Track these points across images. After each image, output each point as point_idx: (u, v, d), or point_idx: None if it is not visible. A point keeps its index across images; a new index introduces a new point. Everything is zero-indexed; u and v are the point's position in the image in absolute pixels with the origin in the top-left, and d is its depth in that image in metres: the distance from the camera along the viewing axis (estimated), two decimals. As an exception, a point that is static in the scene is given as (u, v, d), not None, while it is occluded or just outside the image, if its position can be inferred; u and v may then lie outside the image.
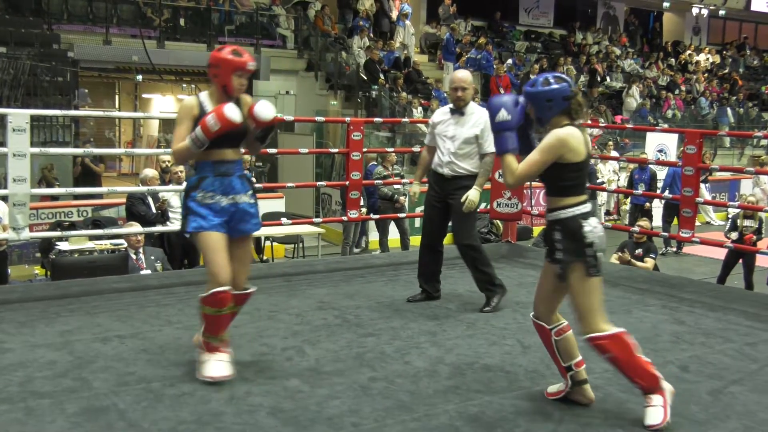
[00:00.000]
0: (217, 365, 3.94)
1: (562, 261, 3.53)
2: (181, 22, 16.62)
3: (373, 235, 11.97)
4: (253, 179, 4.18)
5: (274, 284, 6.15)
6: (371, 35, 18.10)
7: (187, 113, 3.96)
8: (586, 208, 3.56)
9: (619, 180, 15.12)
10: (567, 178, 3.54)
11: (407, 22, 18.81)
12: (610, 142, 16.54)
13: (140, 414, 3.53)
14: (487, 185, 7.92)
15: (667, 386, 3.53)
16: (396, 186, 10.67)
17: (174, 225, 8.37)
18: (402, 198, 10.87)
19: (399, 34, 18.86)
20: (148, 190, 7.77)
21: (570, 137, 3.50)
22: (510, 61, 19.70)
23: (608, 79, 21.18)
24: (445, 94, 17.14)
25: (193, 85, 19.22)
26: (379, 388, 3.94)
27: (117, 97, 20.30)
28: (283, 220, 7.47)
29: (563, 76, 3.66)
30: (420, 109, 15.48)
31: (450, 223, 5.68)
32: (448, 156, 5.50)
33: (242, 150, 4.21)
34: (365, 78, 16.40)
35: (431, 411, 3.65)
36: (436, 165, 5.62)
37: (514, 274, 6.68)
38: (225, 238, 3.94)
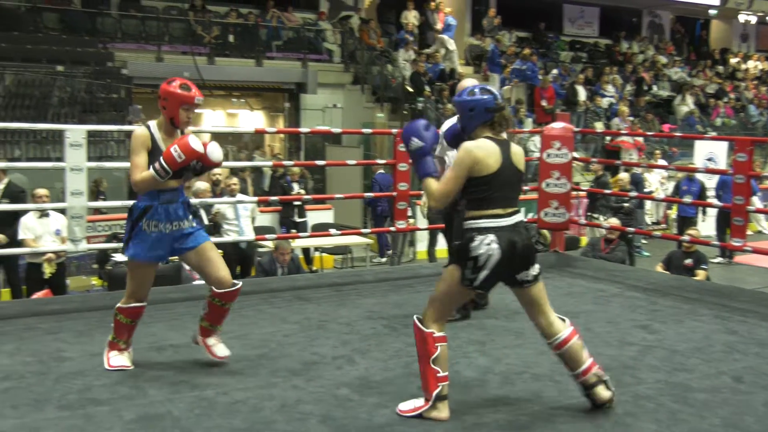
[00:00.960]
0: (120, 357, 4.27)
1: (449, 259, 3.67)
2: (230, 38, 16.83)
3: (421, 246, 11.98)
4: (194, 206, 4.65)
5: (324, 294, 6.19)
6: (416, 48, 18.13)
7: (141, 144, 4.08)
8: (490, 222, 3.52)
9: (666, 189, 14.90)
10: (474, 190, 3.55)
11: (443, 36, 18.72)
12: (658, 151, 16.31)
13: (194, 421, 3.57)
14: (534, 195, 7.89)
15: (442, 409, 3.57)
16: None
17: (228, 237, 8.47)
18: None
19: (444, 46, 18.85)
20: (200, 202, 7.85)
21: (477, 149, 3.52)
22: (555, 71, 19.57)
23: (655, 87, 20.91)
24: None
25: (242, 100, 19.43)
26: (429, 396, 3.92)
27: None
28: (332, 231, 7.50)
29: (491, 89, 3.70)
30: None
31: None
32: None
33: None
34: (411, 90, 16.42)
35: (480, 420, 3.63)
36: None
37: (563, 284, 6.62)
38: (154, 267, 4.25)
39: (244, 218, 8.84)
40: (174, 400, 3.81)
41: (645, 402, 3.79)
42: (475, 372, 4.30)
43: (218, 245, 8.63)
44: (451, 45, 18.46)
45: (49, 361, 4.37)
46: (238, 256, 8.75)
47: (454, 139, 3.91)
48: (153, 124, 4.16)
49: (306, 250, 11.14)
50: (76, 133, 5.70)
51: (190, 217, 4.23)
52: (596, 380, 3.68)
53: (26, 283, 8.00)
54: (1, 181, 8.20)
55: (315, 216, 11.67)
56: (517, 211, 3.62)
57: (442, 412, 3.57)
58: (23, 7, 15.45)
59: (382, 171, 11.71)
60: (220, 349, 4.31)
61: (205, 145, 4.04)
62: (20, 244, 7.69)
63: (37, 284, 7.73)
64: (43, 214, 7.85)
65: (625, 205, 11.24)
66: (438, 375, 3.55)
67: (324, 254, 11.41)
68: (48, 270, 7.77)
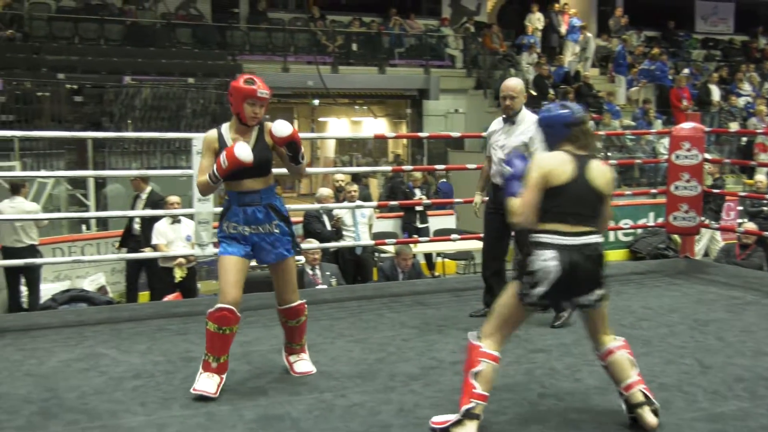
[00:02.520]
0: (207, 381, 3.91)
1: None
2: (354, 47, 17.08)
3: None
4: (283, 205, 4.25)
5: (444, 299, 6.16)
6: (539, 51, 17.85)
7: (208, 146, 4.07)
8: (554, 239, 3.37)
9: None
10: (543, 202, 3.42)
11: (586, 34, 18.31)
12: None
13: (312, 423, 3.61)
14: (662, 198, 7.59)
15: (469, 427, 3.37)
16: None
17: (348, 242, 8.55)
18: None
19: (569, 48, 18.48)
20: (321, 207, 7.96)
21: (546, 159, 3.45)
22: (686, 70, 18.83)
23: (797, 85, 19.80)
24: (618, 108, 16.63)
25: (365, 107, 19.67)
26: (549, 404, 3.83)
27: (296, 121, 21.12)
28: (452, 236, 7.45)
29: (571, 105, 3.61)
30: (592, 123, 15.06)
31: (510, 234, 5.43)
32: (499, 165, 5.31)
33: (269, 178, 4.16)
34: (534, 94, 16.17)
35: (601, 430, 3.51)
36: (492, 174, 5.51)
37: (693, 291, 6.34)
38: (243, 261, 4.04)
39: (361, 225, 8.90)
40: (293, 402, 3.87)
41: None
42: (598, 380, 4.15)
43: (337, 250, 8.86)
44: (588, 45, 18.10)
45: (177, 361, 4.53)
46: (354, 263, 8.82)
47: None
48: (225, 125, 4.13)
49: (428, 256, 11.12)
50: (201, 141, 5.87)
51: (274, 222, 4.10)
52: (642, 401, 3.48)
53: (159, 286, 8.34)
54: (144, 190, 8.63)
55: (437, 222, 11.64)
56: (593, 233, 3.42)
57: (468, 429, 3.37)
58: (159, 23, 16.21)
59: (444, 180, 11.54)
60: (299, 365, 4.32)
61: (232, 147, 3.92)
62: (153, 249, 8.03)
63: (168, 288, 8.05)
64: (175, 220, 8.17)
65: (765, 209, 10.65)
66: (474, 390, 3.38)
67: (446, 260, 11.37)
68: (179, 274, 8.07)
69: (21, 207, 8.34)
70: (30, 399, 3.92)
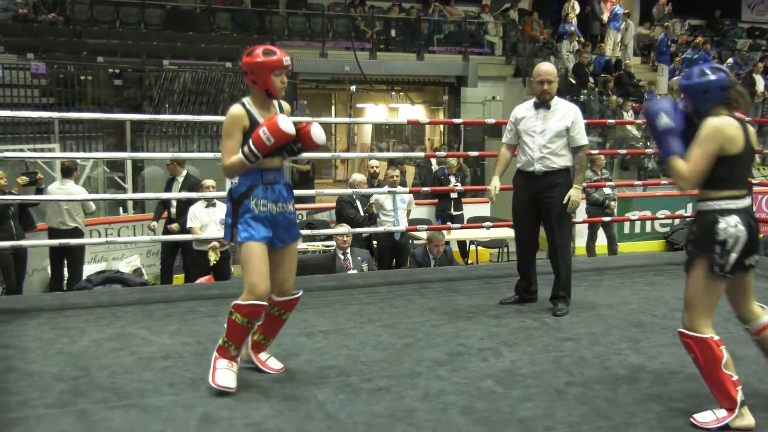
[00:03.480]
0: (227, 375, 3.76)
1: (689, 252, 3.42)
2: (392, 33, 17.02)
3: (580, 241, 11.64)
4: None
5: (474, 286, 6.13)
6: (581, 39, 17.65)
7: (236, 125, 3.73)
8: (732, 204, 3.34)
9: None
10: (717, 170, 3.33)
11: (627, 22, 18.06)
12: None
13: (338, 406, 3.62)
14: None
15: (747, 415, 3.33)
16: (606, 191, 10.22)
17: (384, 227, 8.56)
18: (613, 203, 10.37)
19: (610, 36, 18.24)
20: (355, 192, 7.95)
21: (726, 126, 3.32)
22: (731, 60, 18.50)
23: None
24: (659, 97, 16.39)
25: (402, 94, 19.61)
26: (576, 393, 3.79)
27: (333, 107, 21.14)
28: (485, 224, 7.41)
29: (720, 66, 3.49)
30: (631, 112, 14.88)
31: (543, 224, 5.42)
32: (539, 151, 5.23)
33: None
34: (573, 82, 16.00)
35: (629, 420, 3.47)
36: (524, 164, 5.34)
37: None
38: (267, 249, 3.77)
39: (401, 210, 8.91)
40: (320, 385, 3.88)
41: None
42: (627, 369, 4.12)
43: (374, 235, 8.86)
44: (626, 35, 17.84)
45: (207, 343, 4.55)
46: (392, 248, 8.84)
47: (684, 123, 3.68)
48: (247, 100, 3.81)
49: (462, 244, 11.09)
50: (227, 119, 5.89)
51: (293, 201, 3.92)
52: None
53: (193, 269, 8.42)
54: (180, 173, 8.70)
55: (472, 209, 11.59)
56: (750, 193, 3.45)
57: (747, 418, 3.36)
58: (198, 8, 16.29)
59: (442, 166, 11.51)
60: (273, 362, 4.12)
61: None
62: (188, 232, 8.10)
63: (202, 270, 8.12)
64: (210, 203, 8.23)
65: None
66: (733, 379, 3.36)
67: (480, 247, 11.33)
68: (213, 257, 8.14)
69: (69, 190, 8.47)
70: (61, 377, 3.97)
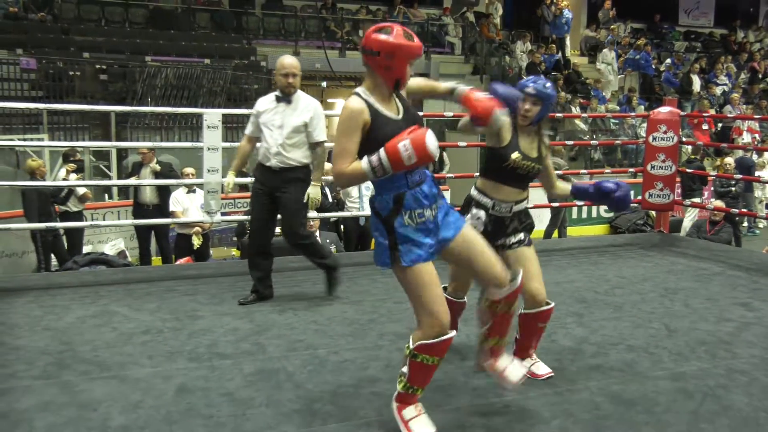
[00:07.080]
0: (422, 421, 2.92)
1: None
2: (360, 33, 16.91)
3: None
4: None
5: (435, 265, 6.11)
6: (533, 40, 17.70)
7: (357, 122, 2.75)
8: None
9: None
10: None
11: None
12: (771, 138, 15.31)
13: (306, 377, 3.59)
14: (639, 178, 7.53)
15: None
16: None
17: (351, 212, 8.52)
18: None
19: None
20: (323, 180, 7.85)
21: None
22: (669, 60, 18.68)
23: (770, 75, 19.62)
24: (603, 94, 16.50)
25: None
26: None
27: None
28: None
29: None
30: (578, 108, 14.97)
31: (279, 217, 4.92)
32: (276, 147, 4.76)
33: None
34: (526, 79, 16.03)
35: (573, 387, 3.49)
36: (263, 158, 4.84)
37: (665, 262, 6.31)
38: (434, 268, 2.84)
39: (365, 197, 8.87)
40: (289, 357, 3.86)
41: (738, 376, 3.54)
42: (571, 341, 4.15)
43: (342, 220, 8.81)
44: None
45: (184, 319, 4.52)
46: (358, 232, 8.82)
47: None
48: (364, 90, 2.84)
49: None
50: (212, 116, 5.85)
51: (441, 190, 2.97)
52: None
53: (175, 252, 8.31)
54: (151, 161, 8.50)
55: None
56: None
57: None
58: (179, 8, 16.07)
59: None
60: (515, 370, 3.12)
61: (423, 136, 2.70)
62: (171, 215, 8.00)
63: (184, 253, 8.03)
64: (191, 190, 8.14)
65: (732, 189, 10.58)
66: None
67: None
68: (197, 242, 8.04)
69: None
70: (47, 351, 3.91)
